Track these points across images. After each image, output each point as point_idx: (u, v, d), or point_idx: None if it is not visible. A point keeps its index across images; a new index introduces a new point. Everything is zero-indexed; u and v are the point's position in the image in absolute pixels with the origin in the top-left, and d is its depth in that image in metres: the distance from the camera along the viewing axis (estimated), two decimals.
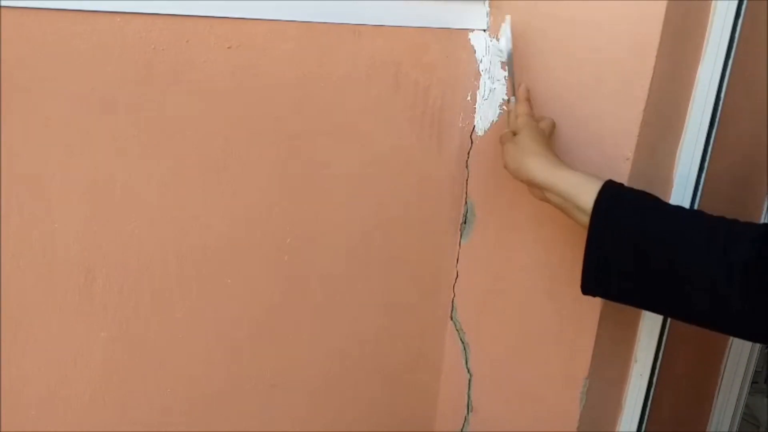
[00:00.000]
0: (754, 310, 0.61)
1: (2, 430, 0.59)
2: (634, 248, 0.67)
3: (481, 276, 0.97)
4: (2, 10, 0.49)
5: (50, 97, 0.53)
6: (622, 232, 0.67)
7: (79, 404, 0.63)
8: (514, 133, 0.78)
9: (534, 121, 0.78)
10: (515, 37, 0.84)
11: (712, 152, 0.85)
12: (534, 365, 0.93)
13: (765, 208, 1.20)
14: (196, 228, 0.67)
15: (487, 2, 0.86)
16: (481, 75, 0.89)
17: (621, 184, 0.70)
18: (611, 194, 0.69)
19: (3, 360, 0.57)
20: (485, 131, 0.91)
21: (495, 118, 0.89)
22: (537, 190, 0.75)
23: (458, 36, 0.86)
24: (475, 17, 0.86)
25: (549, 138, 0.79)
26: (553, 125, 0.81)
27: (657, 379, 0.96)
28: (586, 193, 0.69)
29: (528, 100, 0.82)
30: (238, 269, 0.72)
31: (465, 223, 0.98)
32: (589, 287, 0.71)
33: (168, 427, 0.71)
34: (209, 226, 0.68)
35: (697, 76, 0.82)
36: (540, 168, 0.73)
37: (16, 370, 0.58)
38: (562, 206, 0.72)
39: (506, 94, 0.87)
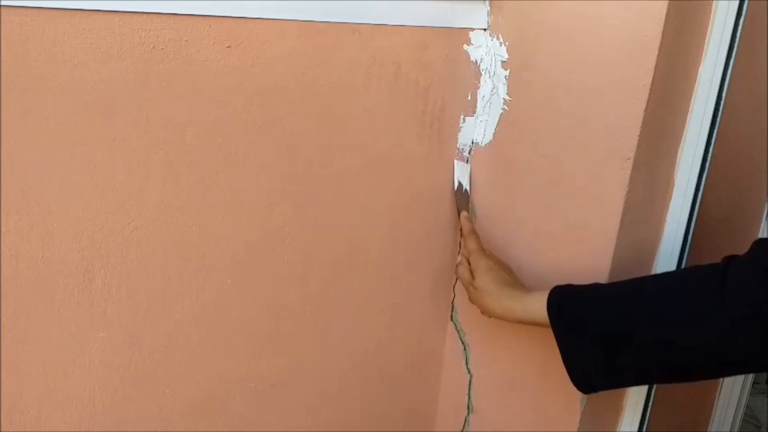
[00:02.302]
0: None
1: (2, 430, 0.59)
2: (611, 337, 0.69)
3: None
4: (2, 9, 0.49)
5: (50, 96, 0.53)
6: (588, 328, 0.70)
7: (79, 404, 0.63)
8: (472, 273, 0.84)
9: (484, 258, 0.84)
10: (515, 36, 0.84)
11: (713, 153, 0.85)
12: (534, 366, 0.93)
13: (765, 209, 1.20)
14: (196, 228, 0.67)
15: (487, 2, 0.86)
16: (481, 74, 0.89)
17: (567, 285, 0.74)
18: (557, 301, 0.73)
19: (3, 360, 0.57)
20: (486, 131, 0.91)
21: (496, 118, 0.89)
22: None
23: (459, 35, 0.86)
24: (476, 16, 0.86)
25: (500, 265, 0.84)
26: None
27: None
28: (540, 313, 0.74)
29: (474, 232, 0.88)
30: (238, 269, 0.72)
31: None
32: (583, 387, 0.73)
33: (168, 427, 0.71)
34: (209, 226, 0.68)
35: (698, 76, 0.82)
36: (500, 307, 0.79)
37: (16, 370, 0.58)
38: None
39: (507, 95, 0.87)
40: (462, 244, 0.90)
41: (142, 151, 0.60)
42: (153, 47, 0.58)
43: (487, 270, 0.82)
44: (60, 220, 0.57)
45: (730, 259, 0.64)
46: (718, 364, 0.64)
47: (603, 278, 0.82)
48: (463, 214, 0.91)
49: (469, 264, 0.86)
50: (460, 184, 0.87)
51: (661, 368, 0.67)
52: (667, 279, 0.71)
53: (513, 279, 0.84)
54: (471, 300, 0.85)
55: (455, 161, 0.89)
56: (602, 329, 0.69)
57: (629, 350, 0.66)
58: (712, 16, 0.79)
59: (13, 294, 0.56)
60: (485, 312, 0.82)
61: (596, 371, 0.70)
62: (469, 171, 0.89)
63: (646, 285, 0.70)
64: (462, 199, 0.89)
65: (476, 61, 0.88)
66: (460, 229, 0.92)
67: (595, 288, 0.74)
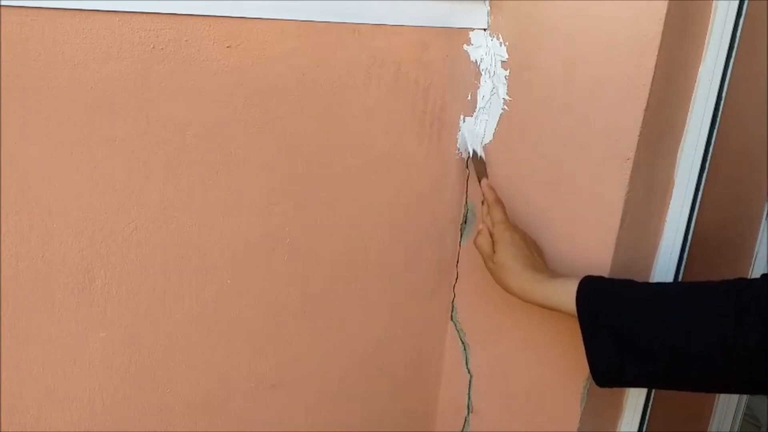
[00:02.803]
0: None
1: (2, 430, 0.59)
2: (629, 338, 0.68)
3: (481, 277, 0.97)
4: (2, 9, 0.49)
5: (50, 96, 0.53)
6: (614, 327, 0.69)
7: (78, 404, 0.63)
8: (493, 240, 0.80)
9: (509, 230, 0.79)
10: (515, 36, 0.84)
11: (713, 153, 0.85)
12: (534, 366, 0.93)
13: (765, 209, 1.20)
14: (196, 228, 0.67)
15: (487, 2, 0.86)
16: (481, 74, 0.89)
17: (599, 278, 0.72)
18: (589, 295, 0.71)
19: (3, 360, 0.57)
20: (486, 131, 0.91)
21: (496, 118, 0.89)
22: None
23: (459, 35, 0.86)
24: (476, 16, 0.86)
25: (526, 242, 0.79)
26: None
27: None
28: (565, 299, 0.71)
29: (499, 201, 0.82)
30: (238, 269, 0.72)
31: (465, 223, 0.98)
32: (602, 382, 0.72)
33: (167, 427, 0.71)
34: (209, 226, 0.68)
35: (698, 76, 0.82)
36: (521, 286, 0.76)
37: (16, 370, 0.58)
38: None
39: (507, 95, 0.87)
40: (485, 213, 0.83)
41: (142, 151, 0.60)
42: (153, 47, 0.58)
43: (510, 245, 0.77)
44: (60, 220, 0.57)
45: (746, 282, 0.65)
46: (724, 381, 0.65)
47: None
48: (484, 182, 0.85)
49: (492, 236, 0.80)
50: (473, 152, 0.82)
51: (682, 379, 0.67)
52: (691, 293, 0.70)
53: (538, 259, 0.79)
54: (489, 272, 0.81)
55: (460, 127, 0.83)
56: (627, 331, 0.68)
57: (648, 356, 0.67)
58: (712, 16, 0.79)
59: (13, 294, 0.56)
60: (501, 286, 0.79)
61: (616, 370, 0.69)
62: (481, 137, 0.84)
63: (675, 292, 0.70)
64: (479, 166, 0.82)
65: (476, 61, 0.88)
66: (482, 201, 0.85)
67: (625, 286, 0.72)
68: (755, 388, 0.64)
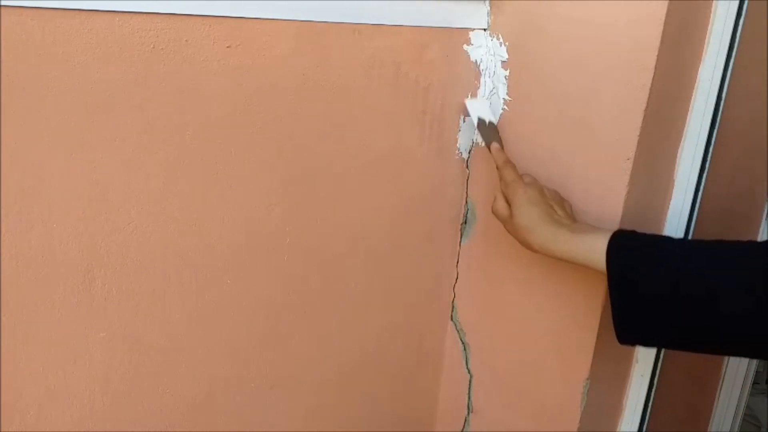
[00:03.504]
0: None
1: (2, 430, 0.59)
2: (661, 295, 0.66)
3: (481, 277, 0.97)
4: (2, 9, 0.49)
5: (50, 96, 0.53)
6: (643, 282, 0.66)
7: (78, 404, 0.63)
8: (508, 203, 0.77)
9: (522, 187, 0.76)
10: (515, 36, 0.84)
11: (713, 152, 0.85)
12: (534, 366, 0.93)
13: (765, 209, 1.20)
14: (196, 228, 0.67)
15: (487, 2, 0.86)
16: (481, 74, 0.89)
17: (631, 233, 0.69)
18: (620, 250, 0.68)
19: (3, 360, 0.57)
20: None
21: (496, 118, 0.89)
22: None
23: (459, 35, 0.86)
24: (476, 16, 0.86)
25: (543, 196, 0.76)
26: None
27: (658, 380, 0.95)
28: (595, 255, 0.69)
29: (508, 162, 0.80)
30: (238, 269, 0.72)
31: (465, 223, 0.98)
32: (625, 339, 0.71)
33: (167, 427, 0.71)
34: (209, 226, 0.68)
35: (698, 76, 0.82)
36: (542, 244, 0.73)
37: (16, 370, 0.58)
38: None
39: (507, 95, 0.87)
40: (499, 177, 0.80)
41: (142, 151, 0.60)
42: (153, 47, 0.58)
43: (526, 203, 0.74)
44: (60, 220, 0.57)
45: None
46: (754, 345, 0.63)
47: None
48: (494, 145, 0.82)
49: (507, 199, 0.77)
50: (480, 119, 0.80)
51: (703, 335, 0.66)
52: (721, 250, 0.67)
53: (559, 211, 0.76)
54: (511, 235, 0.78)
55: (465, 102, 0.81)
56: (659, 289, 0.66)
57: (678, 312, 0.65)
58: (712, 16, 0.79)
59: (13, 294, 0.56)
60: (525, 247, 0.76)
61: (643, 326, 0.68)
62: (488, 105, 0.80)
63: (709, 248, 0.67)
64: (488, 132, 0.80)
65: (476, 61, 0.88)
66: (497, 167, 0.82)
67: (659, 242, 0.70)
68: None
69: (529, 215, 0.74)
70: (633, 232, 0.70)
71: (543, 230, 0.73)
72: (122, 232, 0.61)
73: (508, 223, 0.77)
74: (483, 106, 0.81)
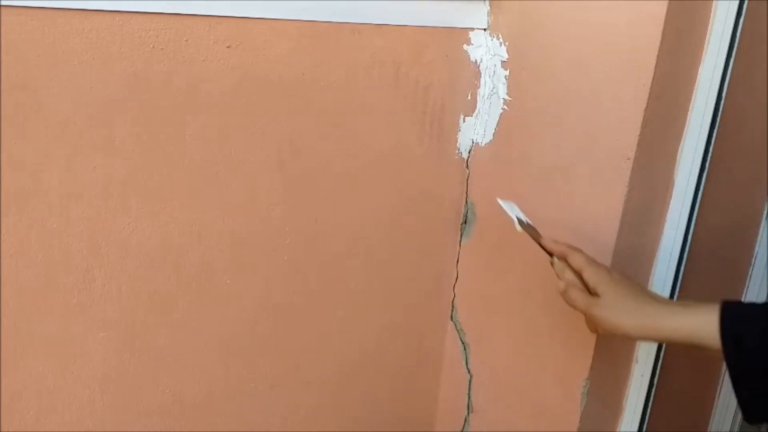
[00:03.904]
0: None
1: (2, 430, 0.59)
2: None
3: (481, 276, 0.97)
4: (2, 9, 0.49)
5: (50, 96, 0.53)
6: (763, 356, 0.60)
7: (79, 404, 0.63)
8: (590, 291, 0.70)
9: (602, 267, 0.70)
10: (515, 36, 0.84)
11: (713, 152, 0.85)
12: (534, 366, 0.93)
13: (765, 209, 1.20)
14: (196, 228, 0.67)
15: (487, 2, 0.86)
16: (481, 74, 0.89)
17: (738, 304, 0.63)
18: (734, 322, 0.62)
19: (3, 360, 0.57)
20: (486, 131, 0.91)
21: (496, 118, 0.89)
22: None
23: (459, 35, 0.86)
24: (476, 16, 0.86)
25: (623, 274, 0.70)
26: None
27: (658, 380, 0.95)
28: (706, 333, 0.62)
29: (572, 247, 0.73)
30: (238, 269, 0.72)
31: (465, 223, 0.98)
32: (754, 418, 0.64)
33: (167, 427, 0.71)
34: (209, 226, 0.68)
35: (698, 76, 0.82)
36: (641, 326, 0.66)
37: (16, 370, 0.58)
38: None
39: (507, 95, 0.87)
40: (562, 269, 0.73)
41: (143, 151, 0.60)
42: (153, 47, 0.58)
43: (614, 282, 0.68)
44: (60, 220, 0.57)
45: None
46: None
47: None
48: (545, 239, 0.76)
49: (585, 284, 0.70)
50: (518, 219, 0.79)
51: None
52: None
53: (647, 289, 0.71)
54: (594, 327, 0.70)
55: (498, 201, 0.79)
56: None
57: None
58: (712, 16, 0.79)
59: (13, 294, 0.56)
60: (615, 332, 0.68)
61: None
62: (516, 205, 0.79)
63: None
64: (531, 231, 0.78)
65: (476, 61, 0.88)
66: (551, 262, 0.75)
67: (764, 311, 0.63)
68: None
69: (626, 294, 0.68)
70: (739, 302, 0.64)
71: (643, 308, 0.67)
72: (122, 232, 0.61)
73: (595, 307, 0.69)
74: (514, 206, 0.79)
